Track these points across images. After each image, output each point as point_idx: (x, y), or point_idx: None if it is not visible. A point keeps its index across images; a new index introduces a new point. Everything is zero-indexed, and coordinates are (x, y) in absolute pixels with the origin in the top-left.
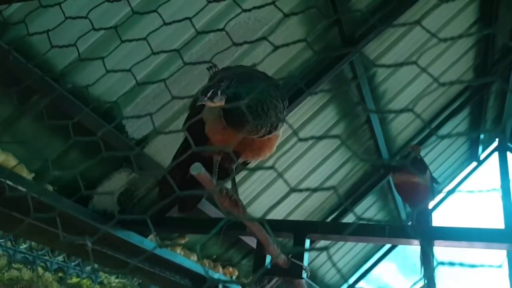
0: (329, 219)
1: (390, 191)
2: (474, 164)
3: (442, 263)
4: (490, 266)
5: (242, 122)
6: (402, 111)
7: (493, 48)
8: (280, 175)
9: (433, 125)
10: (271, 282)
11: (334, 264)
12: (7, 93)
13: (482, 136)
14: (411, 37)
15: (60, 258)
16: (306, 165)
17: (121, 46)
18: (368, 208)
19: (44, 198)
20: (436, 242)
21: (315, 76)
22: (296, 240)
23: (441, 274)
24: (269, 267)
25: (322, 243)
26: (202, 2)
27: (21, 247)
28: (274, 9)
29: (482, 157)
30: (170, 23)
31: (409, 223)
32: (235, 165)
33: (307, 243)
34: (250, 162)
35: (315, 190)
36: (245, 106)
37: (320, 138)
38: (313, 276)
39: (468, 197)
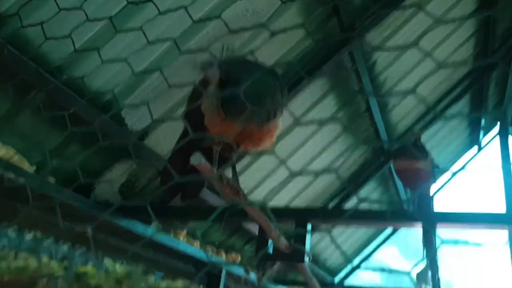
0: (330, 206)
1: (391, 177)
2: (476, 149)
3: (446, 242)
4: (495, 244)
5: (241, 110)
6: (405, 93)
7: (494, 36)
8: (283, 161)
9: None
10: (274, 267)
11: (337, 246)
12: (4, 88)
13: (483, 122)
14: (409, 27)
15: (65, 247)
16: (306, 154)
17: (120, 39)
18: (369, 195)
19: (45, 189)
20: (438, 224)
21: (314, 66)
22: (298, 226)
23: (443, 253)
24: (271, 252)
25: (324, 229)
26: None
27: (26, 237)
28: (272, 0)
29: (483, 143)
30: (165, 13)
31: (411, 208)
32: (235, 155)
33: (309, 227)
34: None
35: (316, 174)
36: (243, 94)
37: (320, 123)
38: (315, 261)
39: (469, 179)
